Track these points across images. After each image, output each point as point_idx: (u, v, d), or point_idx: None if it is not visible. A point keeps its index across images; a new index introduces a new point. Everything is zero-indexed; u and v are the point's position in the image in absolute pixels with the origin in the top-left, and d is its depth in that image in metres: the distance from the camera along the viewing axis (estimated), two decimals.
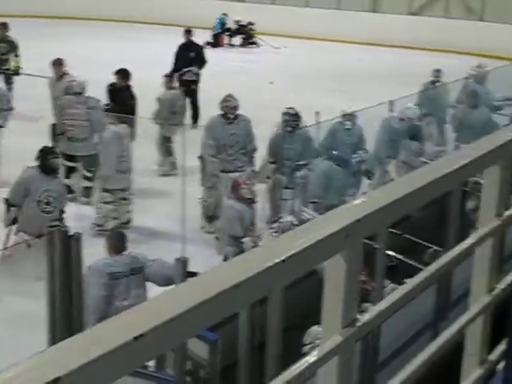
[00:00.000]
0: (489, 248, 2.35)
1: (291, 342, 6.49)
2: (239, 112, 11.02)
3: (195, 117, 16.26)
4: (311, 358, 1.58)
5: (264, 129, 11.19)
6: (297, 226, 8.35)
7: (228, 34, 28.22)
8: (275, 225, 8.46)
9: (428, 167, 2.09)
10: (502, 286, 2.45)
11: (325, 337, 1.66)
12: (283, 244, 1.48)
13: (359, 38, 27.49)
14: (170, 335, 1.23)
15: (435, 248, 8.69)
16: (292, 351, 6.65)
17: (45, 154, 9.11)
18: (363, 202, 1.74)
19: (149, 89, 16.88)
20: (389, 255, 8.94)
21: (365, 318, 1.75)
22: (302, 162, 10.37)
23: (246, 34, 28.10)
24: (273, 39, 27.68)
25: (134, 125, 12.00)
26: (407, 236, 8.80)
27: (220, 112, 10.97)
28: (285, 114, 10.80)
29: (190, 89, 16.16)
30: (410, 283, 2.02)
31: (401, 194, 1.77)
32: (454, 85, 13.99)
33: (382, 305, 1.89)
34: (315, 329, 7.15)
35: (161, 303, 1.28)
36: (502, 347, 2.50)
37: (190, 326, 1.27)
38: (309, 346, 7.02)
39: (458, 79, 13.96)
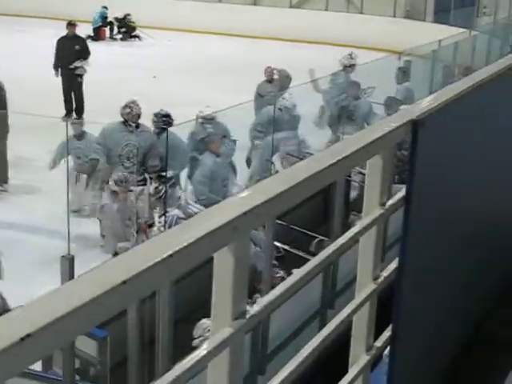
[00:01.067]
0: (373, 237, 2.40)
1: (182, 335, 6.49)
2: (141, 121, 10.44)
3: (80, 110, 16.08)
4: (201, 352, 1.58)
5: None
6: (184, 219, 8.36)
7: (110, 27, 27.86)
8: (162, 219, 8.41)
9: (312, 158, 2.11)
10: (385, 273, 2.51)
11: (214, 329, 1.66)
12: (170, 238, 1.47)
13: (240, 31, 27.59)
14: (58, 334, 1.21)
15: (321, 238, 8.85)
16: (183, 345, 6.66)
17: None
18: (250, 195, 1.74)
19: (27, 81, 16.58)
20: (276, 246, 9.07)
21: (254, 309, 1.76)
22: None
23: (127, 27, 27.81)
24: (153, 32, 27.53)
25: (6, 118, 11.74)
26: (293, 227, 8.90)
27: (120, 119, 10.30)
28: (154, 115, 10.55)
29: (75, 82, 15.94)
30: (298, 273, 2.05)
31: (286, 185, 1.79)
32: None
33: (270, 296, 1.91)
34: (204, 322, 7.16)
35: (48, 302, 1.25)
36: (387, 333, 2.56)
37: (78, 324, 1.25)
38: (199, 340, 7.03)
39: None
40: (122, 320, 7.50)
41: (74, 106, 16.16)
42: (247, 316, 1.70)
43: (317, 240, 8.75)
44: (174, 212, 8.41)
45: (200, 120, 10.68)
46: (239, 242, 1.63)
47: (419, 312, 2.67)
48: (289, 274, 8.26)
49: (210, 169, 9.66)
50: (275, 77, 13.67)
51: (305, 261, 7.29)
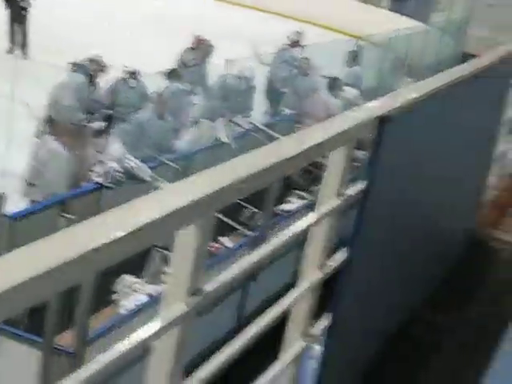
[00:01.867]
0: (325, 226, 2.39)
1: (102, 288, 6.41)
2: None
3: (24, 45, 15.76)
4: (149, 329, 1.53)
5: None
6: (120, 173, 8.26)
7: None
8: (98, 168, 8.28)
9: (274, 146, 2.08)
10: (331, 263, 2.51)
11: (166, 304, 1.62)
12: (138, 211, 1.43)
13: None
14: None
15: (253, 210, 8.86)
16: (102, 297, 6.61)
17: None
18: (214, 175, 1.72)
19: None
20: None
21: (210, 287, 1.73)
22: None
23: None
24: None
25: None
26: None
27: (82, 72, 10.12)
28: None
29: (20, 15, 15.60)
30: (255, 255, 2.02)
31: (249, 171, 1.76)
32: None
33: (227, 274, 1.88)
34: (126, 278, 7.14)
35: None
36: (323, 322, 2.56)
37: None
38: (116, 295, 7.01)
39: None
40: None
41: (20, 40, 15.81)
42: (203, 293, 1.67)
43: (249, 211, 8.77)
44: (111, 164, 8.30)
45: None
46: (204, 221, 1.60)
47: (357, 304, 2.69)
48: (216, 241, 8.29)
49: (139, 125, 9.58)
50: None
51: (233, 229, 7.26)
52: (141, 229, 1.35)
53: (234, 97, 11.39)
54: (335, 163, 2.30)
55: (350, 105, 11.84)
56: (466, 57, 21.24)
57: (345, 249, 2.48)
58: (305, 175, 10.57)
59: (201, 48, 12.55)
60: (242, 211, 8.84)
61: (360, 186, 2.41)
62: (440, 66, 17.05)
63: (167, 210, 1.41)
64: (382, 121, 2.28)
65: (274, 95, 13.35)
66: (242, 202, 8.88)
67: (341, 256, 2.50)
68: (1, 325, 5.54)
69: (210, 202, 1.60)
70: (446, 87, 2.84)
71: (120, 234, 1.30)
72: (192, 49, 12.57)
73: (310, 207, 8.89)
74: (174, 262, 1.62)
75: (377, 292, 2.84)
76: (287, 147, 1.98)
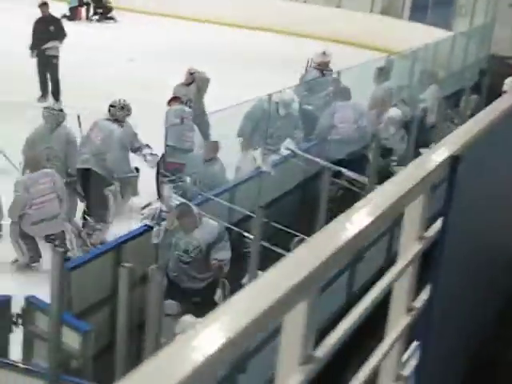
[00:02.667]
0: (410, 270, 2.41)
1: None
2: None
3: (56, 92, 16.02)
4: None
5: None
6: (166, 212, 8.34)
7: (86, 7, 27.61)
8: (145, 211, 8.39)
9: (353, 210, 2.07)
10: (417, 304, 2.53)
11: (281, 376, 1.65)
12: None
13: (222, 19, 27.48)
14: None
15: (301, 236, 8.86)
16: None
17: None
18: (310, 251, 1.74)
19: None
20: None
21: (320, 352, 1.75)
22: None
23: (104, 8, 27.59)
24: (133, 15, 27.41)
25: None
26: (273, 223, 8.89)
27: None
28: (111, 105, 10.32)
29: (51, 63, 15.86)
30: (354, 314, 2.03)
31: (336, 244, 1.77)
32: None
33: (335, 335, 1.90)
34: (186, 319, 7.19)
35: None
36: (425, 294, 2.55)
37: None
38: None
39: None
40: (105, 309, 7.53)
41: (51, 88, 16.07)
42: (314, 360, 1.70)
43: (298, 238, 8.77)
44: (156, 204, 8.40)
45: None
46: (312, 294, 1.63)
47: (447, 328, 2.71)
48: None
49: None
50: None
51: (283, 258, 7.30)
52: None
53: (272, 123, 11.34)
54: (414, 208, 2.33)
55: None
56: (492, 59, 21.27)
57: (428, 287, 2.51)
58: (347, 195, 10.60)
59: (194, 83, 12.38)
60: (291, 239, 8.85)
61: (438, 225, 2.44)
62: (467, 71, 17.07)
63: (274, 297, 1.45)
64: (454, 160, 2.30)
65: (307, 120, 13.34)
66: (289, 230, 8.91)
67: (424, 296, 2.53)
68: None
69: (316, 278, 1.63)
70: (506, 115, 2.86)
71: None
72: (185, 84, 12.39)
73: None
74: (284, 334, 1.65)
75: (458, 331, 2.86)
76: (363, 214, 1.99)
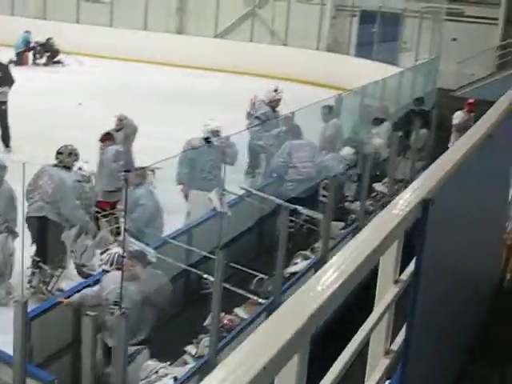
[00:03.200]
0: (389, 311, 2.45)
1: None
2: None
3: (7, 138, 15.86)
4: None
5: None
6: (123, 257, 8.28)
7: (33, 52, 27.50)
8: (103, 256, 8.32)
9: (336, 261, 2.10)
10: (394, 347, 2.56)
11: None
12: None
13: (165, 60, 27.63)
14: None
15: (261, 276, 8.90)
16: None
17: None
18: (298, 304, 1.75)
19: None
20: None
21: None
22: None
23: (51, 51, 27.51)
24: (78, 58, 27.40)
25: None
26: (232, 264, 8.89)
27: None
28: (59, 152, 10.08)
29: (0, 109, 15.75)
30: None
31: (325, 293, 1.78)
32: None
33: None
34: (150, 364, 7.13)
35: None
36: (411, 268, 2.58)
37: None
38: (144, 381, 7.00)
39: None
40: (67, 357, 7.44)
41: (0, 134, 15.93)
42: None
43: (257, 278, 8.80)
44: (114, 249, 8.34)
45: None
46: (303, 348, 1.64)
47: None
48: (230, 313, 8.30)
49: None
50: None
51: (244, 299, 7.25)
52: None
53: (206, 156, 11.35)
54: (389, 254, 2.37)
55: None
56: (438, 92, 21.67)
57: (403, 331, 2.54)
58: (302, 232, 10.66)
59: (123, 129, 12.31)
60: (251, 279, 8.87)
61: (411, 268, 2.47)
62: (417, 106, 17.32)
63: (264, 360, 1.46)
64: (426, 203, 2.35)
65: (254, 156, 13.43)
66: (249, 270, 8.93)
67: (400, 338, 2.56)
68: None
69: (306, 332, 1.64)
70: (470, 153, 2.93)
71: None
72: (115, 130, 12.29)
73: (315, 266, 8.98)
74: None
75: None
76: (347, 255, 2.02)
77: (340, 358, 2.09)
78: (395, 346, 2.58)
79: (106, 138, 11.64)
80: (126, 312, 5.42)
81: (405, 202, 2.46)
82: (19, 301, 5.35)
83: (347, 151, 12.43)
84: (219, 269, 6.66)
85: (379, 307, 2.36)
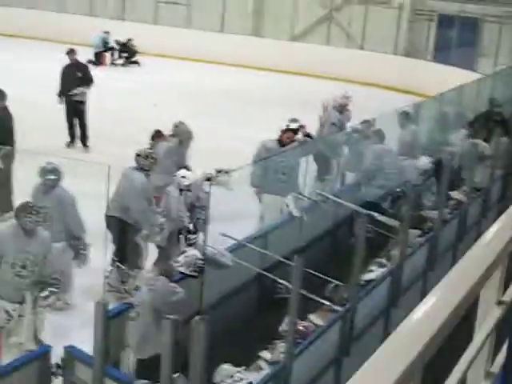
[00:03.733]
0: (493, 334, 2.39)
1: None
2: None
3: (84, 138, 16.17)
4: None
5: None
6: (201, 260, 8.31)
7: (111, 52, 27.90)
8: (180, 258, 8.37)
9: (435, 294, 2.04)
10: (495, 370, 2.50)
11: None
12: None
13: (241, 62, 27.74)
14: None
15: (336, 282, 8.83)
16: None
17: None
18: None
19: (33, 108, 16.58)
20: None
21: None
22: None
23: (129, 52, 27.88)
24: (155, 59, 27.72)
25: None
26: (307, 270, 8.85)
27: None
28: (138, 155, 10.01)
29: (78, 109, 16.01)
30: None
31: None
32: None
33: None
34: (225, 368, 7.15)
35: None
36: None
37: None
38: None
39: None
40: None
41: (79, 133, 16.22)
42: None
43: (332, 285, 8.74)
44: (192, 252, 8.38)
45: None
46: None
47: None
48: (304, 319, 8.26)
49: None
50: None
51: (318, 305, 7.18)
52: None
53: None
54: (495, 276, 2.31)
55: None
56: None
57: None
58: (378, 239, 10.55)
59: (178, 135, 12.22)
60: (326, 285, 8.81)
61: None
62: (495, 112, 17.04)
63: None
64: None
65: (321, 160, 13.35)
66: (324, 276, 8.87)
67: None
68: None
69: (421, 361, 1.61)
70: None
71: None
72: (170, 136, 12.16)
73: (391, 274, 8.88)
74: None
75: None
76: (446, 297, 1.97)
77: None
78: (495, 369, 2.52)
79: (157, 135, 11.75)
80: (205, 317, 5.43)
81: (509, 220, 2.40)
82: (100, 302, 5.40)
83: (424, 160, 12.28)
84: (297, 274, 6.62)
85: (482, 330, 2.31)
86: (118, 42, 27.86)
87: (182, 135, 11.91)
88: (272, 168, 11.33)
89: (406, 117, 13.51)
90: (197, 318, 5.38)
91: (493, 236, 2.38)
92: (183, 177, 10.14)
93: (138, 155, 9.92)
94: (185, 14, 30.97)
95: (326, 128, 13.89)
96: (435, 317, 1.75)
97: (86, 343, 6.27)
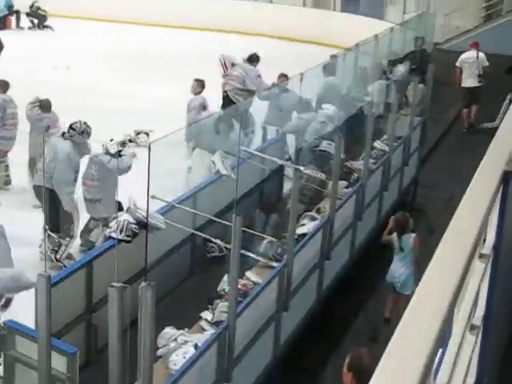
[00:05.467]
0: (473, 289, 2.42)
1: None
2: None
3: None
4: None
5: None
6: (133, 224, 8.23)
7: (16, 16, 27.02)
8: (112, 223, 8.27)
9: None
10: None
11: None
12: None
13: (157, 21, 27.22)
14: None
15: (270, 239, 8.85)
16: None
17: None
18: None
19: None
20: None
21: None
22: None
23: (37, 17, 27.03)
24: (69, 21, 27.01)
25: None
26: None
27: None
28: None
29: None
30: None
31: None
32: None
33: None
34: (168, 331, 7.12)
35: None
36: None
37: None
38: (163, 349, 6.98)
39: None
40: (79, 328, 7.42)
41: None
42: None
43: (266, 241, 8.76)
44: (123, 217, 8.28)
45: None
46: None
47: None
48: (242, 277, 8.25)
49: None
50: None
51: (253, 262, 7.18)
52: None
53: None
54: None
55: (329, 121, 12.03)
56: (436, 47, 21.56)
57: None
58: (309, 192, 10.61)
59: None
60: (259, 241, 8.83)
61: (491, 242, 2.43)
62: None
63: None
64: (506, 177, 2.31)
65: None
66: (258, 233, 8.89)
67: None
68: None
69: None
70: None
71: None
72: None
73: (324, 226, 8.94)
74: None
75: None
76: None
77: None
78: (478, 321, 2.55)
79: None
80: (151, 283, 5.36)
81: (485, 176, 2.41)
82: (42, 274, 5.27)
83: (328, 108, 12.35)
84: (236, 234, 6.60)
85: (468, 284, 2.33)
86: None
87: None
88: (207, 127, 11.42)
89: (329, 69, 13.66)
90: (143, 283, 5.31)
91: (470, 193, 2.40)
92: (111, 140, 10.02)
93: (72, 128, 9.83)
94: None
95: (251, 81, 14.00)
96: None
97: (24, 316, 6.18)
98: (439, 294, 1.86)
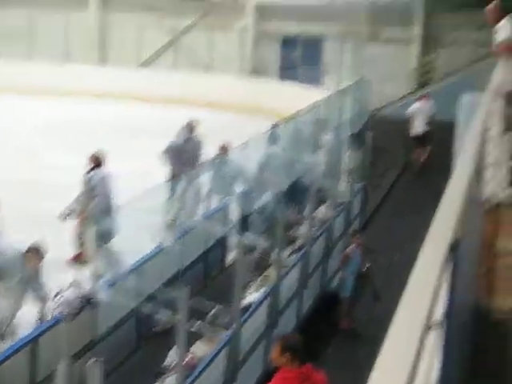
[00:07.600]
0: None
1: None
2: None
3: None
4: None
5: None
6: (80, 298, 8.14)
7: None
8: (57, 298, 8.16)
9: None
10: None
11: None
12: None
13: (85, 92, 27.14)
14: None
15: (217, 307, 8.79)
16: None
17: None
18: None
19: None
20: None
21: None
22: None
23: None
24: None
25: None
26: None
27: None
28: None
29: None
30: None
31: None
32: None
33: None
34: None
35: None
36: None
37: None
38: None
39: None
40: None
41: None
42: None
43: (214, 310, 8.70)
44: (68, 291, 8.20)
45: None
46: None
47: None
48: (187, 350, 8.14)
49: None
50: None
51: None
52: None
53: None
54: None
55: None
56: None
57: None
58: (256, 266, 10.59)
59: None
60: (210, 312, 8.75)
61: (442, 310, 2.47)
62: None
63: None
64: (454, 248, 2.36)
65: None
66: (208, 304, 8.82)
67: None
68: None
69: None
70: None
71: None
72: None
73: (267, 297, 8.91)
74: None
75: None
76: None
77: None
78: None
79: None
80: (99, 359, 5.29)
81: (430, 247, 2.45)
82: None
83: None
84: (183, 306, 6.56)
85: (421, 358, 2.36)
86: None
87: None
88: None
89: (270, 137, 13.87)
90: (91, 360, 5.24)
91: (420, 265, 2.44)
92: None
93: None
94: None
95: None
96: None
97: None
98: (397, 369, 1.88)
